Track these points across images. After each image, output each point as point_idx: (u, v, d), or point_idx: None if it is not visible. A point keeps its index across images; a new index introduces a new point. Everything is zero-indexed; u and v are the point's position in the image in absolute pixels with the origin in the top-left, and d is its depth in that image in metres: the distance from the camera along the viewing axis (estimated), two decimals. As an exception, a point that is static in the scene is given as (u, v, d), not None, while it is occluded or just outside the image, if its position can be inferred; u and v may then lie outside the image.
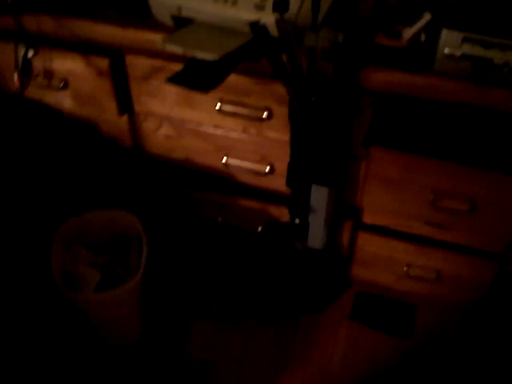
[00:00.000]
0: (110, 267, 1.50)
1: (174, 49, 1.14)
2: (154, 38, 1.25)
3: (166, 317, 1.63)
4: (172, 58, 1.30)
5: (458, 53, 1.13)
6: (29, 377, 1.46)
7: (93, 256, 1.51)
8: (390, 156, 1.20)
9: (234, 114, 1.38)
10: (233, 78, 1.31)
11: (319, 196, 1.37)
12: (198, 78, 1.16)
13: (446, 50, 1.13)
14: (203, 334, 1.60)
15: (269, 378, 1.52)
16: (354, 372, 1.52)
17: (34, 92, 1.49)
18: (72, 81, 1.45)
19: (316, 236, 1.46)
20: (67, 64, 1.42)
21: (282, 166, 1.41)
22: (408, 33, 1.19)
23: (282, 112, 1.31)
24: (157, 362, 1.54)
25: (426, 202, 1.24)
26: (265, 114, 1.34)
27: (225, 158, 1.48)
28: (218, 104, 1.37)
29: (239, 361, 1.55)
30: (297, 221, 1.44)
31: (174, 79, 1.16)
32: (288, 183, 1.38)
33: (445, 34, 1.12)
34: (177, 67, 1.19)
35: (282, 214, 1.51)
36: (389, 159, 1.20)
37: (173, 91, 1.40)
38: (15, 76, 1.45)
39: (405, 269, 1.47)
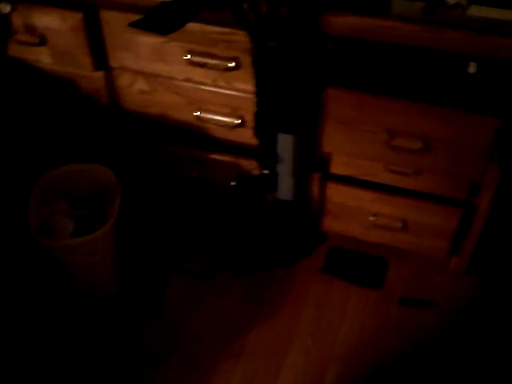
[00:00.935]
0: (86, 219, 1.55)
1: (135, -8, 1.19)
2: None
3: (144, 272, 1.68)
4: (146, 11, 1.34)
5: (413, -6, 1.17)
6: (7, 326, 1.52)
7: (70, 208, 1.56)
8: (344, 95, 1.23)
9: (203, 66, 1.42)
10: (200, 29, 1.36)
11: (285, 145, 1.40)
12: (158, 22, 1.21)
13: (401, -8, 1.17)
14: (179, 288, 1.65)
15: (240, 330, 1.56)
16: (325, 322, 1.56)
17: (14, 49, 1.54)
18: (49, 37, 1.50)
19: (285, 187, 1.49)
20: (44, 20, 1.47)
21: (251, 118, 1.44)
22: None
23: (248, 62, 1.35)
24: (133, 314, 1.59)
25: (380, 141, 1.27)
26: (232, 64, 1.38)
27: (197, 112, 1.52)
28: (188, 56, 1.41)
29: (212, 313, 1.59)
30: (266, 172, 1.48)
31: (136, 24, 1.21)
32: (255, 133, 1.42)
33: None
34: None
35: (254, 167, 1.55)
36: (343, 99, 1.24)
37: (145, 45, 1.45)
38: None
39: (372, 218, 1.50)
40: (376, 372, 1.47)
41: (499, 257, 1.65)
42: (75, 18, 1.43)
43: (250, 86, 1.40)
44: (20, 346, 1.49)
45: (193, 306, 1.61)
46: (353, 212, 1.52)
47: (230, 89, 1.45)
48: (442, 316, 1.56)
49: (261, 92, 1.34)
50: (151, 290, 1.64)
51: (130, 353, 1.51)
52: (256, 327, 1.56)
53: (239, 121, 1.49)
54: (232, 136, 1.55)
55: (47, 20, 1.46)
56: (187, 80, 1.48)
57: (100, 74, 1.54)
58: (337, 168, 1.47)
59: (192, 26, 1.35)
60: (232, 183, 1.59)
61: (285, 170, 1.45)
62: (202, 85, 1.48)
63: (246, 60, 1.36)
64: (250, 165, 1.57)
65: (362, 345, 1.52)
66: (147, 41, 1.44)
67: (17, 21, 1.48)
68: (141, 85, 1.54)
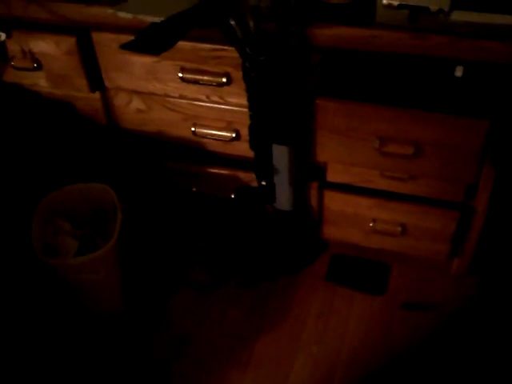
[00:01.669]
0: (89, 238, 1.57)
1: (125, 15, 1.22)
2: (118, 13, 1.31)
3: (149, 287, 1.70)
4: (136, 32, 1.37)
5: (396, 2, 1.18)
6: (14, 346, 1.54)
7: (73, 228, 1.59)
8: (333, 105, 1.25)
9: (196, 82, 1.44)
10: (190, 47, 1.38)
11: (280, 156, 1.42)
12: (149, 43, 1.23)
13: (385, 1, 1.18)
14: (184, 302, 1.66)
15: (247, 340, 1.57)
16: (330, 329, 1.57)
17: (10, 75, 1.58)
18: (45, 61, 1.53)
19: (283, 197, 1.51)
20: (39, 45, 1.50)
21: (246, 132, 1.46)
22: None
23: (239, 76, 1.37)
24: (140, 329, 1.60)
25: (373, 148, 1.28)
26: (224, 80, 1.40)
27: (193, 128, 1.54)
28: (181, 74, 1.43)
29: (218, 325, 1.61)
30: (263, 183, 1.49)
31: (128, 46, 1.23)
32: (251, 146, 1.44)
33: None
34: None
35: (252, 179, 1.57)
36: (333, 108, 1.25)
37: (138, 65, 1.47)
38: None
39: (371, 224, 1.51)
40: (383, 376, 1.47)
41: (501, 257, 1.65)
42: (69, 42, 1.46)
43: (243, 100, 1.42)
44: (26, 365, 1.51)
45: (199, 318, 1.63)
46: (352, 219, 1.53)
47: (223, 104, 1.47)
48: (446, 318, 1.56)
49: (253, 105, 1.36)
50: (157, 305, 1.66)
51: (139, 366, 1.52)
52: (263, 337, 1.57)
53: (234, 134, 1.51)
54: (229, 149, 1.56)
55: (42, 45, 1.49)
56: (182, 97, 1.50)
57: (96, 95, 1.57)
58: (333, 176, 1.48)
59: (183, 45, 1.37)
60: (231, 196, 1.61)
61: (282, 181, 1.47)
62: (196, 101, 1.50)
63: (238, 75, 1.38)
64: (248, 177, 1.59)
65: (367, 350, 1.52)
66: (140, 60, 1.46)
67: (12, 47, 1.52)
68: (137, 104, 1.56)
